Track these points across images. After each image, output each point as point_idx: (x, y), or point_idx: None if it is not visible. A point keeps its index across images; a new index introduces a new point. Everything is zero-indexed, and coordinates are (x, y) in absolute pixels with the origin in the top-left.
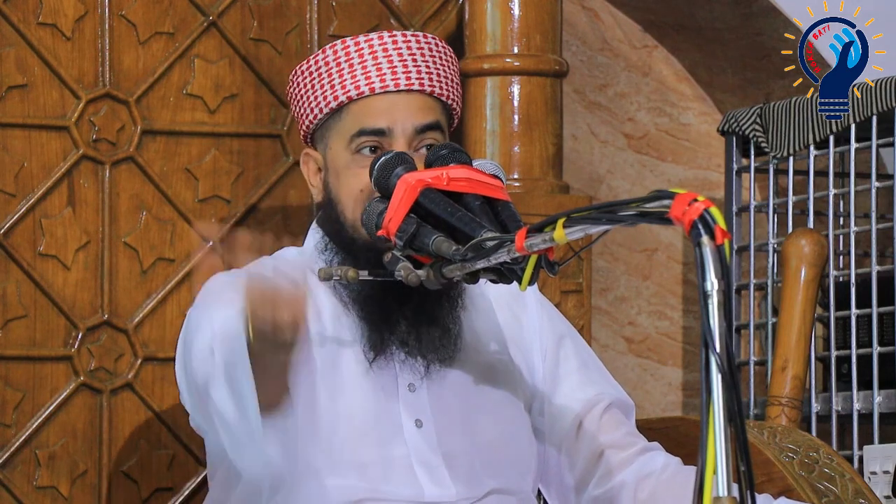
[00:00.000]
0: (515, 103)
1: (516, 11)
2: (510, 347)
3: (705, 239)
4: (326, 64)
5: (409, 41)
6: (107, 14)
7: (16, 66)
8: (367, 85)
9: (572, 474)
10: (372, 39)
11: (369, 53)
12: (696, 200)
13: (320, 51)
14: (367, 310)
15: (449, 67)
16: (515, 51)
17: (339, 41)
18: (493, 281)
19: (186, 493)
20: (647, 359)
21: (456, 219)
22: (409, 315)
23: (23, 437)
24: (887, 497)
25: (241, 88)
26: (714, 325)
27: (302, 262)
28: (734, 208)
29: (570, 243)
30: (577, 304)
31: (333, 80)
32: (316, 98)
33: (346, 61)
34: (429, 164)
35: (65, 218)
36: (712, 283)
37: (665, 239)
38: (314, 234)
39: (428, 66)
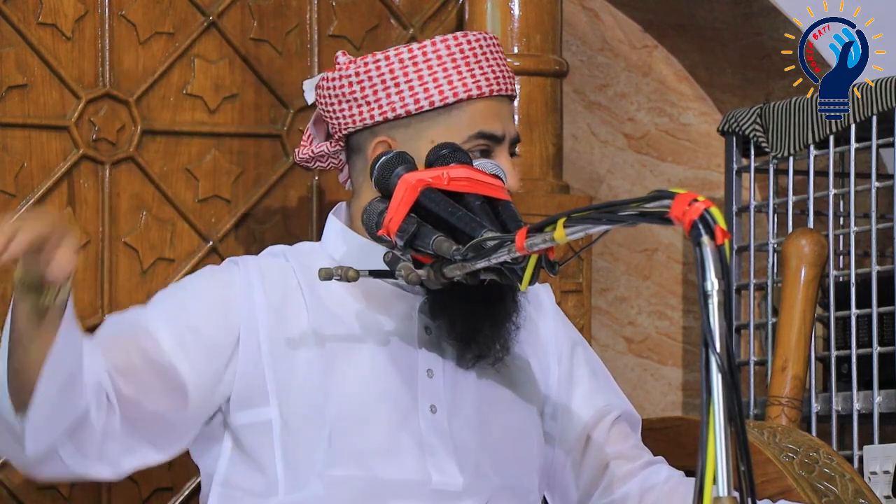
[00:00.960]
0: (515, 103)
1: (516, 11)
2: (527, 350)
3: (705, 239)
4: (438, 56)
5: (499, 45)
6: (107, 14)
7: (16, 66)
8: (487, 86)
9: (578, 482)
10: (480, 39)
11: (482, 53)
12: (696, 200)
13: (429, 41)
14: (437, 300)
15: None
16: (515, 51)
17: (450, 35)
18: (493, 281)
19: (186, 493)
20: (647, 359)
21: (456, 218)
22: (479, 309)
23: None
24: (887, 497)
25: (241, 88)
26: (714, 325)
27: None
28: (734, 208)
29: (570, 243)
30: (577, 304)
31: (450, 73)
32: (424, 87)
33: (461, 58)
34: (429, 164)
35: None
36: (712, 283)
37: (665, 239)
38: (340, 228)
39: (510, 72)
